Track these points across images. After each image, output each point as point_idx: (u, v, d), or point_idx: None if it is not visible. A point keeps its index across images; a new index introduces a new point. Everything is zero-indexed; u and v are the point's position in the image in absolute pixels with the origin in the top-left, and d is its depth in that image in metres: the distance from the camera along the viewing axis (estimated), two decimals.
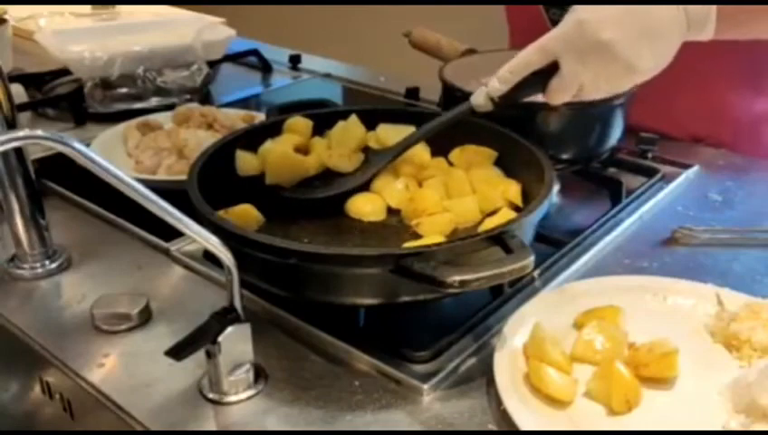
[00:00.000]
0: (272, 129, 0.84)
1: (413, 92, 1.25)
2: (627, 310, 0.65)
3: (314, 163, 0.81)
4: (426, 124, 0.79)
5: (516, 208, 0.72)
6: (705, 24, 0.69)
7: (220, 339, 0.56)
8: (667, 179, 0.94)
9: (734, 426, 0.54)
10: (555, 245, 0.78)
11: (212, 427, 0.57)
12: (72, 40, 1.26)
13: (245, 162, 0.80)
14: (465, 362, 0.63)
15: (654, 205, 0.88)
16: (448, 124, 0.78)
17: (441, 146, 0.82)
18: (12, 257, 0.78)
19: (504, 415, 0.56)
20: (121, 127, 1.05)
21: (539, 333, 0.60)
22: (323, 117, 0.86)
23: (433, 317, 0.69)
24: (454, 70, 0.95)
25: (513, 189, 0.74)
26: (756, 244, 0.80)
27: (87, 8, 1.69)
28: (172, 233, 0.70)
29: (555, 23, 1.05)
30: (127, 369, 0.64)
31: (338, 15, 2.78)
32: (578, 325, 0.64)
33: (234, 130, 0.85)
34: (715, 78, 1.03)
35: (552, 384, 0.57)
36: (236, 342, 0.58)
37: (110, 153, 0.97)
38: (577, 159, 0.88)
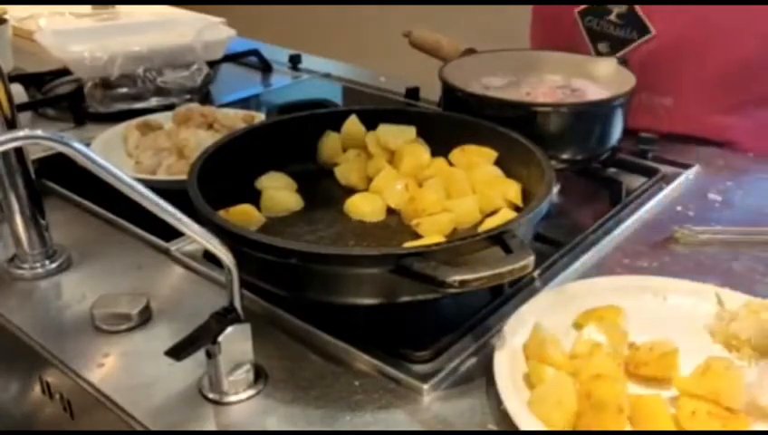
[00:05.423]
0: (272, 129, 0.84)
1: (413, 92, 1.25)
2: (627, 310, 0.65)
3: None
4: None
5: (516, 208, 0.72)
6: None
7: (220, 339, 0.56)
8: (667, 179, 0.94)
9: None
10: (555, 245, 0.78)
11: (212, 427, 0.57)
12: (72, 40, 1.26)
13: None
14: (465, 362, 0.63)
15: (654, 205, 0.88)
16: None
17: (441, 146, 0.82)
18: (12, 257, 0.78)
19: (503, 415, 0.56)
20: (121, 127, 1.05)
21: (539, 333, 0.60)
22: (323, 117, 0.86)
23: (433, 317, 0.69)
24: (454, 70, 0.95)
25: (513, 189, 0.74)
26: (756, 244, 0.80)
27: (87, 8, 1.70)
28: (172, 233, 0.69)
29: (590, 30, 1.05)
30: (127, 369, 0.64)
31: (338, 15, 2.78)
32: (578, 325, 0.64)
33: (234, 130, 0.85)
34: None
35: None
36: (236, 342, 0.58)
37: (110, 153, 0.97)
38: (577, 159, 0.88)
